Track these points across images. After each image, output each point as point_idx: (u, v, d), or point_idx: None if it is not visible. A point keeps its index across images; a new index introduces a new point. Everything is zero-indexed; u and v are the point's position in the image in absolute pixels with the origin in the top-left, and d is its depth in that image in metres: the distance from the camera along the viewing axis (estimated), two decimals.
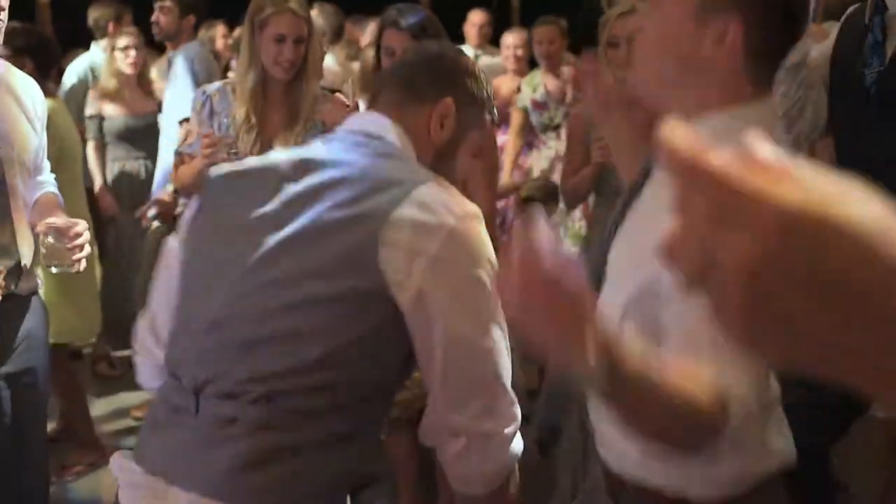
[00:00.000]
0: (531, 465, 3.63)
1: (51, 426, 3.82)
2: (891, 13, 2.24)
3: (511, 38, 5.30)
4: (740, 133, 1.32)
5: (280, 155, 1.56)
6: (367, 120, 1.59)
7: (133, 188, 4.74)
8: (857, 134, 2.28)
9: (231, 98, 2.83)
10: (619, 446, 1.39)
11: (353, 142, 1.52)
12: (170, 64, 4.63)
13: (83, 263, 2.17)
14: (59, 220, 2.15)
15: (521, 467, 1.56)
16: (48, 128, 3.54)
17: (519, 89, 4.96)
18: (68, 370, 3.82)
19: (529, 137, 4.94)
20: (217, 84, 3.00)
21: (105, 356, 4.93)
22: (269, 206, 1.43)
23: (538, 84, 4.86)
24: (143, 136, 4.76)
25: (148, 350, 1.60)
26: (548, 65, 4.88)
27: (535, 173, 4.80)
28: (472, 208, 1.44)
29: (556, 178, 4.42)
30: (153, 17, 4.66)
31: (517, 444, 1.48)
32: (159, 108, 4.75)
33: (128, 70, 4.66)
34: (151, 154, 4.71)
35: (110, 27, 5.25)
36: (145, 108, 4.79)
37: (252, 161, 1.60)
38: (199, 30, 5.00)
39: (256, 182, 1.48)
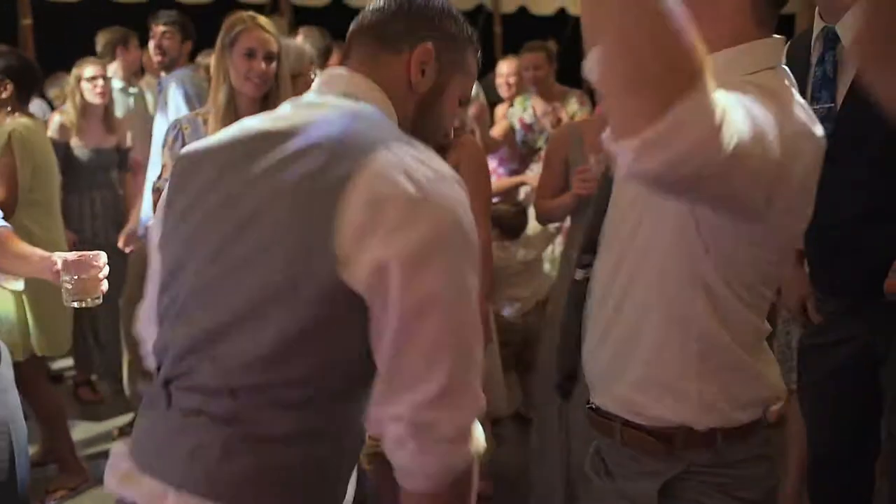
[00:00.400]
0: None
1: (33, 450, 3.85)
2: (843, 46, 2.11)
3: (504, 67, 5.44)
4: (748, 65, 1.40)
5: (251, 123, 1.42)
6: (339, 77, 1.45)
7: (94, 218, 4.76)
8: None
9: (203, 130, 2.85)
10: (614, 388, 1.52)
11: (320, 103, 1.41)
12: (160, 89, 4.68)
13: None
14: (73, 254, 2.15)
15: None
16: (22, 148, 3.62)
17: (511, 103, 5.18)
18: (50, 394, 3.84)
19: (515, 165, 5.09)
20: (189, 115, 3.02)
21: (87, 380, 4.96)
22: (233, 185, 1.32)
23: (528, 106, 5.03)
24: (103, 170, 4.78)
25: (145, 338, 1.53)
26: (537, 90, 5.04)
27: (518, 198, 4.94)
28: (437, 171, 1.26)
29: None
30: (155, 43, 4.63)
31: (470, 444, 1.27)
32: (119, 144, 4.83)
33: (95, 100, 4.64)
34: (110, 186, 4.78)
35: (118, 51, 5.35)
36: (107, 143, 4.77)
37: (221, 135, 1.45)
38: (197, 56, 5.05)
39: (223, 158, 1.38)
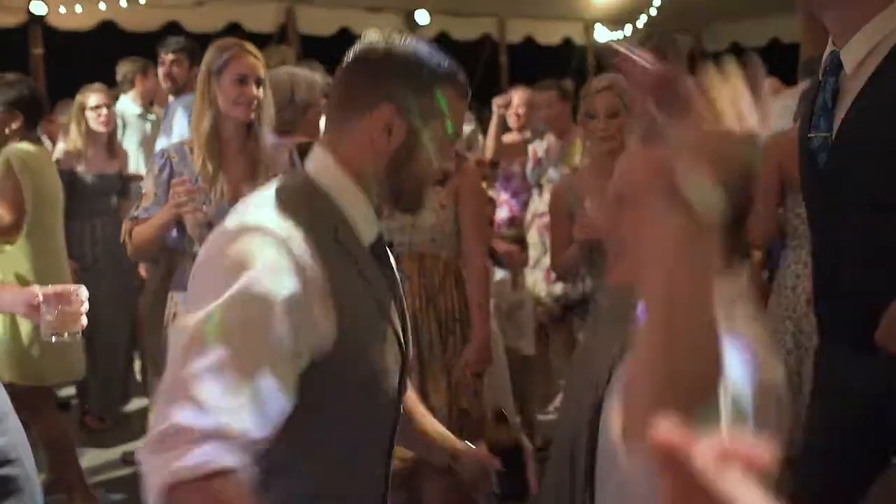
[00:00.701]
0: None
1: (42, 477, 3.85)
2: (846, 74, 1.96)
3: (515, 98, 5.48)
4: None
5: None
6: (311, 153, 1.49)
7: (95, 244, 4.81)
8: (809, 197, 2.11)
9: (189, 158, 2.83)
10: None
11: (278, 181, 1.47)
12: (167, 112, 4.75)
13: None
14: (54, 288, 2.12)
15: None
16: (22, 171, 3.66)
17: (532, 134, 5.24)
18: (57, 422, 3.84)
19: (522, 194, 5.12)
20: (175, 144, 3.00)
21: (91, 410, 4.96)
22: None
23: (544, 141, 5.05)
24: (105, 196, 4.85)
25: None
26: (552, 128, 5.01)
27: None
28: (246, 221, 1.34)
29: (532, 231, 4.71)
30: (165, 70, 4.71)
31: (181, 462, 1.11)
32: (121, 170, 4.92)
33: (100, 128, 4.72)
34: (111, 212, 4.83)
35: (137, 79, 5.47)
36: (109, 169, 4.86)
37: None
38: None
39: None
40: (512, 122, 5.47)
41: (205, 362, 1.19)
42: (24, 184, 3.65)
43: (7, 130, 3.72)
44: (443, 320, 3.16)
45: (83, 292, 2.11)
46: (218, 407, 1.16)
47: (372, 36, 1.50)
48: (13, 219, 3.60)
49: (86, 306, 2.10)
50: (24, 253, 3.66)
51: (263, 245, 1.30)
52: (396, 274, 1.60)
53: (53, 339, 2.09)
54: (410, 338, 1.63)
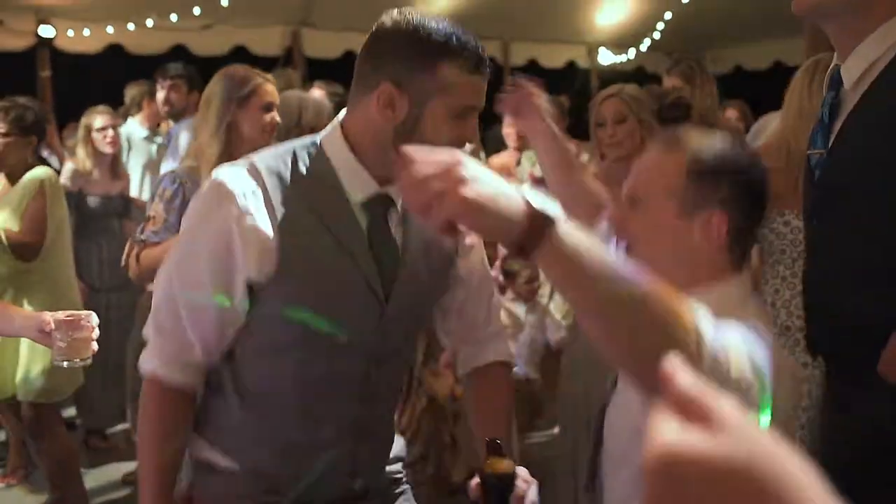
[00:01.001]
0: None
1: (44, 499, 3.85)
2: (845, 89, 1.91)
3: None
4: (723, 303, 1.37)
5: None
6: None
7: (101, 264, 4.87)
8: (807, 215, 2.03)
9: (199, 184, 2.80)
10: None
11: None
12: (170, 136, 4.79)
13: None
14: (64, 314, 2.13)
15: None
16: (53, 195, 3.71)
17: (519, 162, 5.15)
18: (64, 439, 3.83)
19: None
20: (183, 168, 2.98)
21: (98, 429, 4.96)
22: None
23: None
24: (108, 217, 4.92)
25: None
26: None
27: None
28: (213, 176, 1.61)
29: None
30: (163, 96, 4.80)
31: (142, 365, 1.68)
32: (123, 191, 4.99)
33: (107, 150, 4.82)
34: (115, 233, 4.89)
35: (144, 102, 5.56)
36: (112, 190, 4.95)
37: None
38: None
39: None
40: (510, 141, 5.47)
41: (159, 293, 1.64)
42: (51, 208, 3.72)
43: (26, 153, 3.77)
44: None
45: (94, 319, 2.13)
46: (163, 329, 1.63)
47: (389, 14, 1.57)
48: (33, 240, 3.65)
49: (96, 332, 2.13)
50: (39, 274, 3.70)
51: (208, 194, 1.60)
52: (394, 229, 1.67)
53: (65, 364, 2.11)
54: (405, 298, 1.68)
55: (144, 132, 5.57)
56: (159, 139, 5.59)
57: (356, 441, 1.70)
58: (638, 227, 1.47)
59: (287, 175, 1.59)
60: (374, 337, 1.65)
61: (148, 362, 1.64)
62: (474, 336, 1.87)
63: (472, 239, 1.81)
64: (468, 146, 1.62)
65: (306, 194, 1.59)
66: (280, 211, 1.56)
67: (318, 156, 1.62)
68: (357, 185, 1.61)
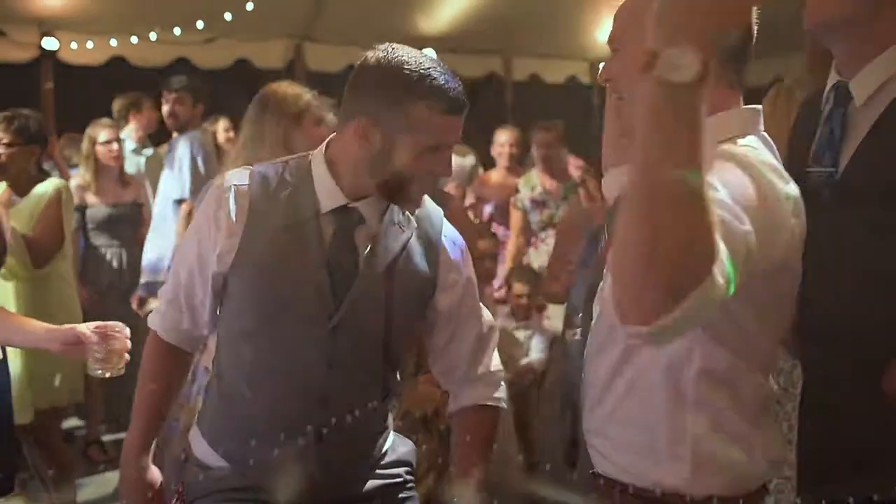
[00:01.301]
0: None
1: None
2: (857, 105, 1.81)
3: (504, 136, 5.52)
4: (724, 133, 1.39)
5: None
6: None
7: (111, 274, 4.90)
8: (809, 233, 1.89)
9: None
10: (612, 453, 1.51)
11: None
12: (171, 147, 4.81)
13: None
14: (97, 325, 2.14)
15: None
16: (67, 204, 3.76)
17: (517, 190, 5.16)
18: (62, 448, 3.85)
19: (527, 235, 5.11)
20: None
21: (97, 440, 4.95)
22: None
23: (535, 184, 5.06)
24: (121, 225, 4.95)
25: None
26: (544, 166, 5.08)
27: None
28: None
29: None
30: (168, 108, 4.81)
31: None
32: (136, 199, 5.02)
33: (111, 163, 4.88)
34: (127, 242, 4.92)
35: (131, 115, 5.57)
36: (124, 198, 4.99)
37: None
38: (203, 122, 5.19)
39: None
40: (503, 160, 5.52)
41: (172, 267, 1.98)
42: (66, 217, 3.78)
43: (28, 163, 3.79)
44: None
45: (126, 330, 2.15)
46: (166, 297, 1.92)
47: (375, 50, 1.71)
48: (50, 245, 3.69)
49: (129, 343, 2.14)
50: (45, 281, 3.73)
51: (208, 196, 1.84)
52: (360, 242, 1.79)
53: (105, 374, 2.13)
54: (360, 307, 1.78)
55: (132, 144, 5.57)
56: (148, 151, 5.62)
57: (319, 441, 1.77)
58: (619, 70, 1.53)
59: (273, 180, 1.79)
60: (327, 340, 1.76)
61: (152, 320, 1.96)
62: (457, 377, 1.94)
63: (454, 275, 1.89)
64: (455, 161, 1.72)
65: (284, 199, 1.77)
66: (256, 209, 1.76)
67: (304, 168, 1.81)
68: (328, 196, 1.77)
